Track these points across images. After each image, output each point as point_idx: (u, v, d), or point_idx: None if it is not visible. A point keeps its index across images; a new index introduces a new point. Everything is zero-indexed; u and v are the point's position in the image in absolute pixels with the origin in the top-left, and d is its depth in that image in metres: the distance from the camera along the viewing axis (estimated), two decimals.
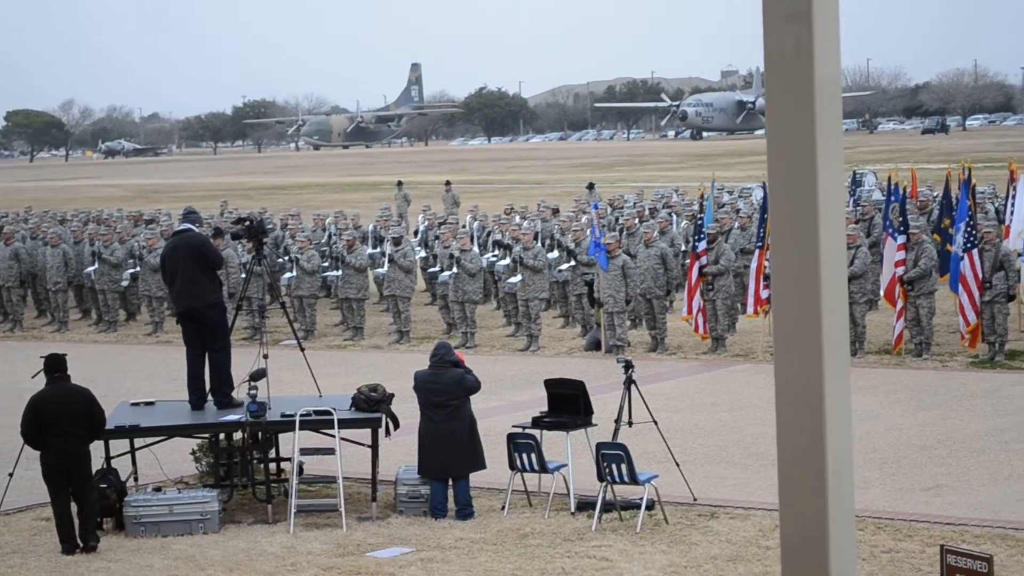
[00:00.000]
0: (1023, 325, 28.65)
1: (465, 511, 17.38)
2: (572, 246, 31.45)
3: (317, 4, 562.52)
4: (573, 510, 17.32)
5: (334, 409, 17.76)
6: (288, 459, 18.11)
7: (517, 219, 36.81)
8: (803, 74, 3.38)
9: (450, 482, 17.58)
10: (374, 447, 17.78)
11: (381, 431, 17.84)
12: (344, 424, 17.71)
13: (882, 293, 27.72)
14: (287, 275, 33.16)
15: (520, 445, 17.64)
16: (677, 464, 17.83)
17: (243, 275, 28.85)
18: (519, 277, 30.47)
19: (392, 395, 18.29)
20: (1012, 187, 31.74)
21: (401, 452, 18.98)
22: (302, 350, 20.38)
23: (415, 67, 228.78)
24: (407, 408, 18.66)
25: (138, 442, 18.44)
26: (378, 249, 34.96)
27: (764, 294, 27.15)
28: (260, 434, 17.88)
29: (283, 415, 17.77)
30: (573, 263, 31.17)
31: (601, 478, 16.86)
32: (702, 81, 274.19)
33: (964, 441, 20.28)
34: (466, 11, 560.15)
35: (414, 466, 17.80)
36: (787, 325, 3.46)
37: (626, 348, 28.12)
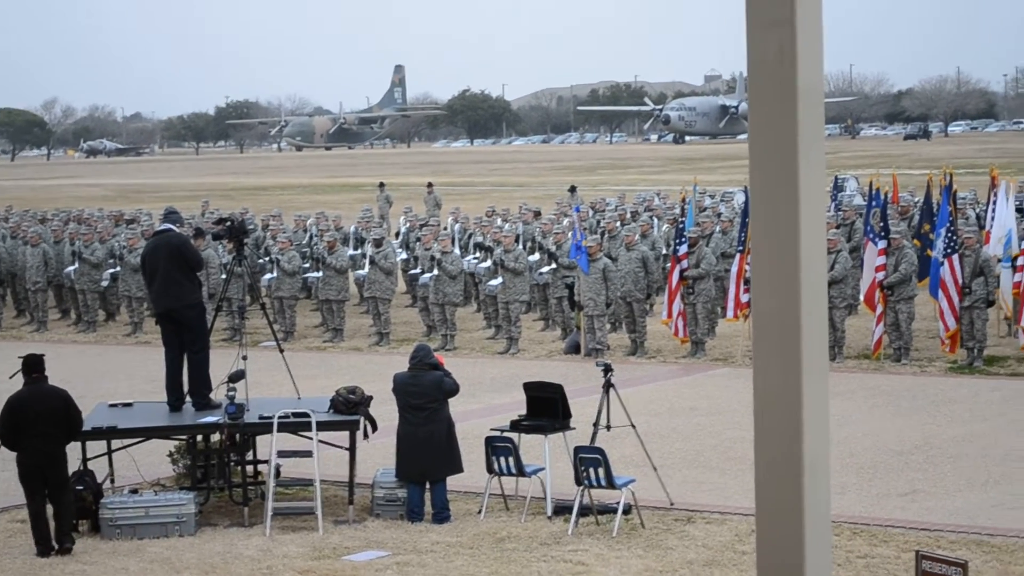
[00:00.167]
0: (1002, 331, 28.74)
1: (442, 515, 17.37)
2: (553, 249, 31.45)
3: (301, 5, 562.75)
4: (550, 514, 17.31)
5: (312, 411, 17.71)
6: (265, 461, 18.07)
7: (499, 222, 36.85)
8: (786, 79, 3.38)
9: (427, 485, 17.55)
10: (352, 450, 17.74)
11: (359, 434, 17.80)
12: (322, 426, 17.69)
13: (862, 298, 27.78)
14: (267, 276, 33.13)
15: (498, 448, 17.64)
16: (654, 468, 17.83)
17: (223, 276, 28.85)
18: (500, 280, 30.47)
19: (371, 397, 18.25)
20: (993, 193, 31.85)
21: (379, 455, 18.96)
22: (281, 352, 20.41)
23: (398, 69, 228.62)
24: (385, 411, 18.66)
25: (115, 443, 18.39)
26: (359, 251, 34.94)
27: (744, 298, 27.20)
28: (238, 436, 17.85)
29: (261, 417, 17.71)
30: (554, 266, 31.18)
31: (578, 482, 16.87)
32: (685, 85, 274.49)
33: (941, 446, 20.33)
34: (450, 13, 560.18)
35: (391, 469, 17.78)
36: (766, 329, 3.46)
37: (606, 351, 28.13)
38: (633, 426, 17.99)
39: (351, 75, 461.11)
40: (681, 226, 29.35)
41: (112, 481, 18.38)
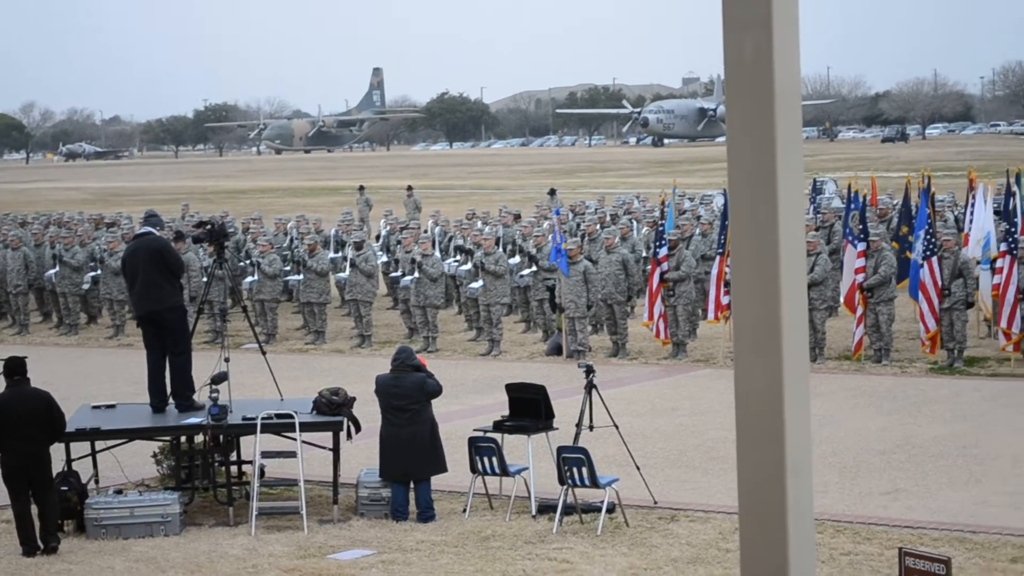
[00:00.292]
0: (982, 332, 28.88)
1: (426, 514, 17.42)
2: (534, 252, 31.52)
3: (279, 9, 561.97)
4: (534, 513, 17.36)
5: (295, 412, 17.75)
6: (249, 462, 18.10)
7: (479, 225, 36.89)
8: (763, 81, 3.39)
9: (411, 485, 17.60)
10: (335, 450, 17.79)
11: (342, 434, 17.86)
12: (305, 427, 17.72)
13: (842, 300, 27.91)
14: (249, 279, 33.14)
15: (481, 448, 17.69)
16: (638, 468, 17.89)
17: (204, 279, 28.84)
18: (480, 282, 30.53)
19: (353, 399, 18.29)
20: (971, 196, 31.98)
21: (362, 455, 19.03)
22: (264, 353, 20.38)
23: (376, 72, 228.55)
24: (368, 411, 18.65)
25: (99, 445, 18.44)
26: (339, 254, 34.97)
27: (725, 300, 27.27)
28: (221, 437, 17.86)
29: (244, 418, 17.75)
30: (535, 268, 31.25)
31: (562, 481, 16.92)
32: (663, 88, 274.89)
33: (923, 446, 20.41)
34: (428, 16, 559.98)
35: (375, 469, 17.84)
36: (747, 331, 3.48)
37: (587, 353, 28.21)
38: (616, 426, 18.04)
39: (329, 78, 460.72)
40: (661, 229, 29.44)
41: (97, 482, 18.40)
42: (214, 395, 17.67)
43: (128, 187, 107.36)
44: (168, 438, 18.63)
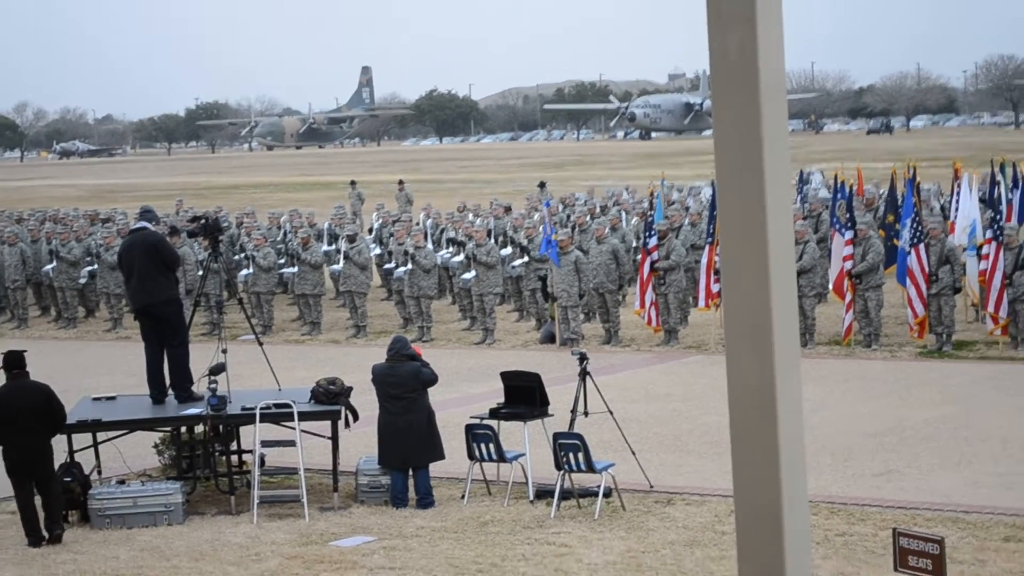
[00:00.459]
0: (969, 316, 29.11)
1: (425, 500, 17.58)
2: (525, 243, 31.70)
3: (269, 8, 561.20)
4: (532, 498, 17.52)
5: (294, 402, 17.89)
6: (249, 451, 18.25)
7: (470, 217, 37.07)
8: (748, 76, 3.41)
9: (410, 472, 17.76)
10: (334, 439, 17.96)
11: (341, 423, 18.00)
12: (304, 417, 17.88)
13: (831, 287, 28.09)
14: (244, 272, 33.32)
15: (478, 436, 17.83)
16: (633, 453, 18.02)
17: (200, 272, 28.99)
18: (473, 273, 30.71)
19: (351, 388, 18.46)
20: (956, 185, 32.23)
21: (361, 443, 19.19)
22: (260, 345, 20.53)
23: (366, 70, 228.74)
24: (366, 400, 18.80)
25: (101, 436, 18.57)
26: (333, 246, 35.13)
27: (715, 288, 27.46)
28: (221, 427, 18.01)
29: (243, 408, 17.90)
30: (526, 259, 31.44)
31: (559, 467, 17.07)
32: (650, 83, 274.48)
33: (914, 428, 20.58)
34: (416, 15, 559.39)
35: (374, 457, 17.99)
36: (738, 318, 3.50)
37: (580, 341, 28.39)
38: (611, 412, 18.21)
39: (319, 77, 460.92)
40: (650, 219, 29.64)
41: (99, 473, 18.52)
42: (213, 386, 17.82)
43: (122, 184, 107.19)
44: (169, 429, 18.79)
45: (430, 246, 32.59)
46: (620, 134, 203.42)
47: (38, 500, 16.78)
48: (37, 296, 37.09)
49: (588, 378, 18.33)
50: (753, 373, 3.47)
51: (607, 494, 17.12)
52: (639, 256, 29.70)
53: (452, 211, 39.12)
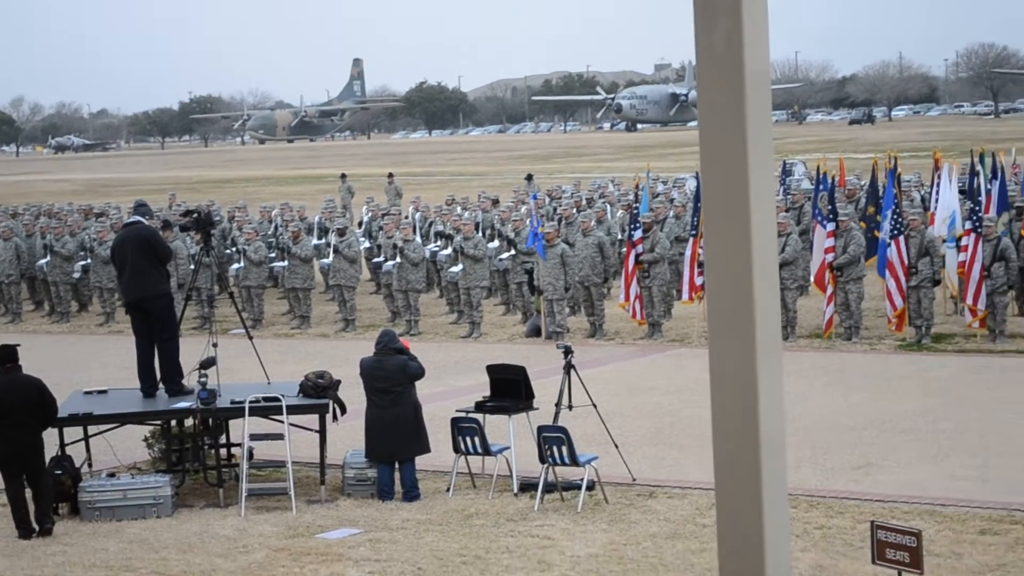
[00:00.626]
0: (948, 309, 29.31)
1: (411, 493, 17.72)
2: (512, 236, 31.89)
3: (260, 2, 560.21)
4: (516, 491, 17.66)
5: (282, 396, 18.03)
6: (238, 444, 18.42)
7: (458, 210, 37.23)
8: (733, 67, 3.42)
9: (396, 465, 17.93)
10: (322, 432, 18.06)
11: (328, 416, 18.13)
12: (292, 410, 18.01)
13: (812, 279, 28.22)
14: (235, 266, 33.48)
15: (464, 429, 17.97)
16: (616, 446, 18.17)
17: (192, 266, 29.17)
18: (460, 266, 30.90)
19: (339, 381, 18.57)
20: (937, 175, 32.46)
21: (348, 437, 19.29)
22: (250, 339, 20.66)
23: (357, 63, 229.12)
24: (353, 394, 18.93)
25: (91, 429, 18.71)
26: (323, 240, 35.31)
27: (699, 281, 27.65)
28: (211, 420, 18.14)
29: (233, 402, 18.04)
30: (513, 252, 31.63)
31: (543, 460, 17.18)
32: (636, 74, 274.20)
33: (893, 421, 20.72)
34: (406, 8, 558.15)
35: (361, 450, 18.13)
36: (721, 311, 3.51)
37: (565, 334, 28.59)
38: (594, 405, 18.33)
39: (311, 70, 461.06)
40: (635, 212, 29.79)
41: (90, 465, 18.67)
42: (203, 379, 17.93)
43: (116, 178, 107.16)
44: (159, 422, 18.93)
45: (418, 239, 32.76)
46: (607, 125, 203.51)
47: (29, 493, 16.92)
48: (31, 290, 37.25)
49: (573, 371, 18.45)
50: (735, 366, 3.48)
51: (590, 487, 17.23)
52: (624, 249, 29.88)
53: (440, 204, 39.30)
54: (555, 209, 36.42)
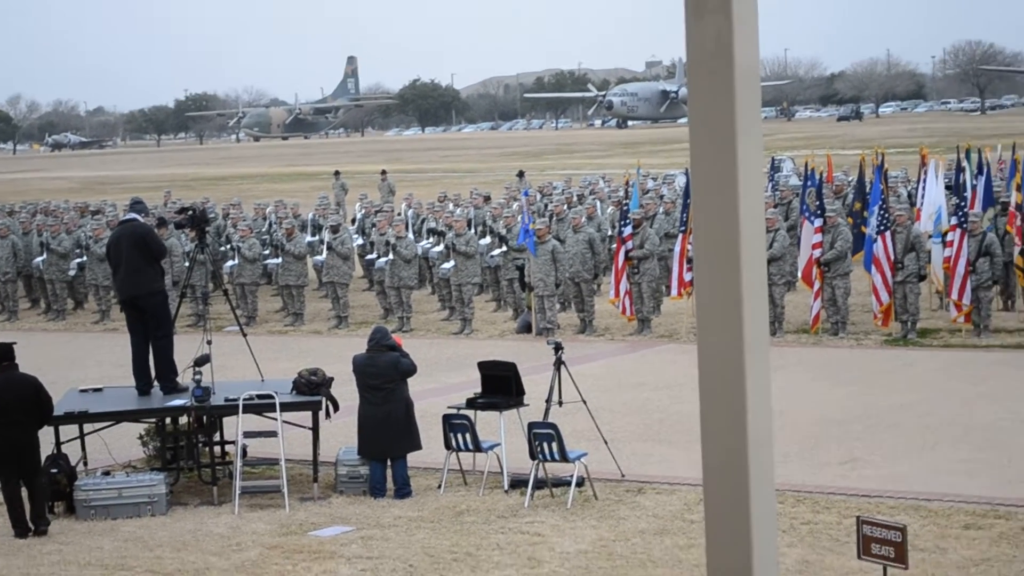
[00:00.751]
0: (934, 304, 29.42)
1: (403, 490, 17.82)
2: (504, 232, 32.02)
3: (256, 0, 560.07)
4: (506, 488, 17.75)
5: (276, 393, 18.06)
6: (232, 442, 18.44)
7: (450, 207, 37.31)
8: (723, 64, 3.50)
9: (388, 462, 18.01)
10: (315, 429, 18.13)
11: (321, 414, 18.18)
12: (286, 407, 18.05)
13: (800, 274, 28.31)
14: (229, 263, 33.59)
15: (455, 426, 18.07)
16: (606, 442, 18.29)
17: (186, 263, 29.29)
18: (452, 263, 31.00)
19: (332, 378, 18.59)
20: (923, 171, 32.62)
21: (341, 434, 19.35)
22: (244, 336, 20.76)
23: (351, 60, 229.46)
24: (346, 391, 19.04)
25: (87, 427, 18.78)
26: (317, 237, 35.42)
27: (688, 277, 27.74)
28: (205, 418, 18.21)
29: (227, 399, 18.08)
30: (504, 249, 31.76)
31: (533, 456, 17.28)
32: (627, 72, 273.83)
33: (879, 416, 20.84)
34: (399, 5, 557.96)
35: (354, 447, 18.21)
36: (710, 306, 3.59)
37: (556, 330, 28.72)
38: (584, 402, 18.46)
39: (305, 67, 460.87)
40: (626, 208, 29.92)
41: (85, 464, 18.76)
42: (197, 377, 17.96)
43: (112, 176, 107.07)
44: (153, 420, 19.02)
45: (411, 236, 32.89)
46: (598, 122, 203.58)
47: (24, 492, 16.96)
48: (27, 288, 37.39)
49: (563, 368, 18.54)
50: (723, 361, 3.52)
51: (580, 483, 17.33)
52: (614, 245, 30.03)
53: (433, 201, 39.43)
54: (546, 206, 36.54)
